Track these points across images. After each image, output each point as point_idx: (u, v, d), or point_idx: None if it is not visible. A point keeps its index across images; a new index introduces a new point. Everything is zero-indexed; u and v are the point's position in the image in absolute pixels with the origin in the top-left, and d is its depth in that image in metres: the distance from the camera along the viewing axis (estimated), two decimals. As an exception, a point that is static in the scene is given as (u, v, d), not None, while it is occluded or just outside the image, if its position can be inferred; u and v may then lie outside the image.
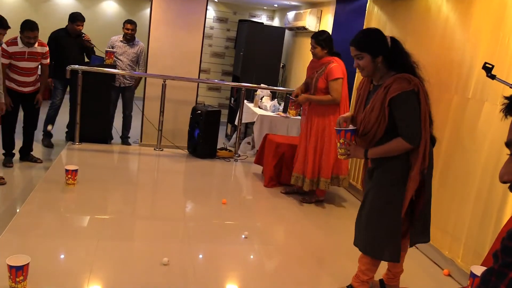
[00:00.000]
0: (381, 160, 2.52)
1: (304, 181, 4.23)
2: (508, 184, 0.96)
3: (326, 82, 4.06)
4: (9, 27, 4.35)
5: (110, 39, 5.99)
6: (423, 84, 2.44)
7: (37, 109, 5.02)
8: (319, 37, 4.12)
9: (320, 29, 5.28)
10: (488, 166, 2.96)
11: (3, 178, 4.40)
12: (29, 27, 4.57)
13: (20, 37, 4.62)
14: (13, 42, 4.61)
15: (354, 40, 2.51)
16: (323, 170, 4.19)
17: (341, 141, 2.57)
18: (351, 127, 2.62)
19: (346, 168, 4.32)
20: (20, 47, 4.62)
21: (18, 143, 5.02)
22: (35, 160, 5.09)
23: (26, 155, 5.09)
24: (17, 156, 5.03)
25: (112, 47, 5.84)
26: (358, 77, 4.87)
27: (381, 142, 2.48)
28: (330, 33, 5.93)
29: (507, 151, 0.99)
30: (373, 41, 2.48)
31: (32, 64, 4.75)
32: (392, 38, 2.49)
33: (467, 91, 3.22)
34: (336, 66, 4.04)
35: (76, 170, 4.06)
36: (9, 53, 4.56)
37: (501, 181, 0.96)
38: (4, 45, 4.57)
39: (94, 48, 5.99)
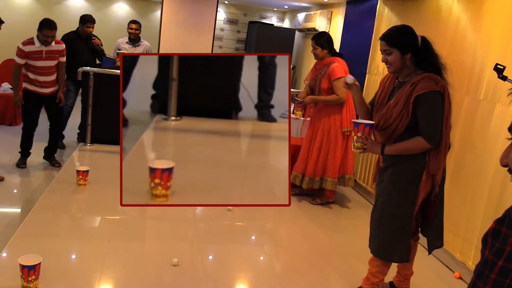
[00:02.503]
0: (396, 160, 2.50)
1: (303, 180, 4.26)
2: (507, 168, 0.99)
3: (328, 83, 4.10)
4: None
5: (116, 41, 6.02)
6: (448, 87, 2.43)
7: (61, 109, 5.04)
8: (318, 38, 4.18)
9: (325, 31, 5.30)
10: (500, 167, 2.91)
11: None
12: (48, 26, 4.56)
13: (37, 36, 4.61)
14: (29, 42, 4.61)
15: (385, 35, 2.50)
16: (330, 170, 4.20)
17: (359, 134, 2.50)
18: (369, 122, 2.55)
19: (351, 168, 4.33)
20: (37, 46, 4.61)
21: (40, 145, 5.05)
22: (54, 163, 5.10)
23: (50, 156, 5.11)
24: (37, 155, 5.04)
25: (119, 49, 5.86)
26: (369, 78, 4.85)
27: (400, 140, 2.46)
28: (340, 34, 5.94)
29: None
30: (404, 37, 2.48)
31: (50, 63, 4.75)
32: (423, 38, 2.49)
33: (478, 92, 3.19)
34: (338, 66, 4.08)
35: (87, 171, 4.09)
36: (25, 53, 4.57)
37: (501, 164, 1.00)
38: (20, 45, 4.59)
39: (104, 51, 6.03)
